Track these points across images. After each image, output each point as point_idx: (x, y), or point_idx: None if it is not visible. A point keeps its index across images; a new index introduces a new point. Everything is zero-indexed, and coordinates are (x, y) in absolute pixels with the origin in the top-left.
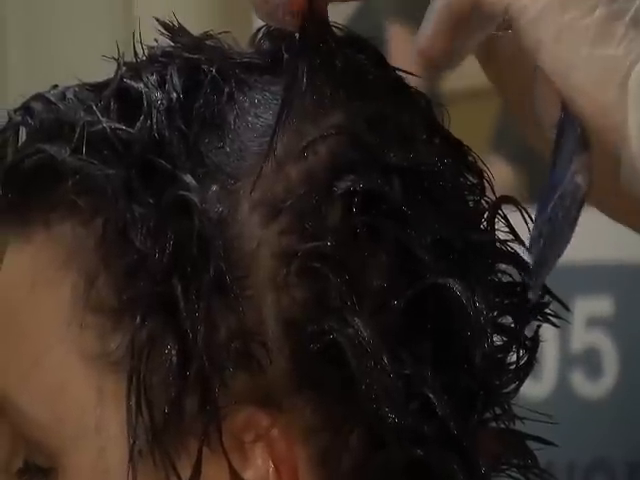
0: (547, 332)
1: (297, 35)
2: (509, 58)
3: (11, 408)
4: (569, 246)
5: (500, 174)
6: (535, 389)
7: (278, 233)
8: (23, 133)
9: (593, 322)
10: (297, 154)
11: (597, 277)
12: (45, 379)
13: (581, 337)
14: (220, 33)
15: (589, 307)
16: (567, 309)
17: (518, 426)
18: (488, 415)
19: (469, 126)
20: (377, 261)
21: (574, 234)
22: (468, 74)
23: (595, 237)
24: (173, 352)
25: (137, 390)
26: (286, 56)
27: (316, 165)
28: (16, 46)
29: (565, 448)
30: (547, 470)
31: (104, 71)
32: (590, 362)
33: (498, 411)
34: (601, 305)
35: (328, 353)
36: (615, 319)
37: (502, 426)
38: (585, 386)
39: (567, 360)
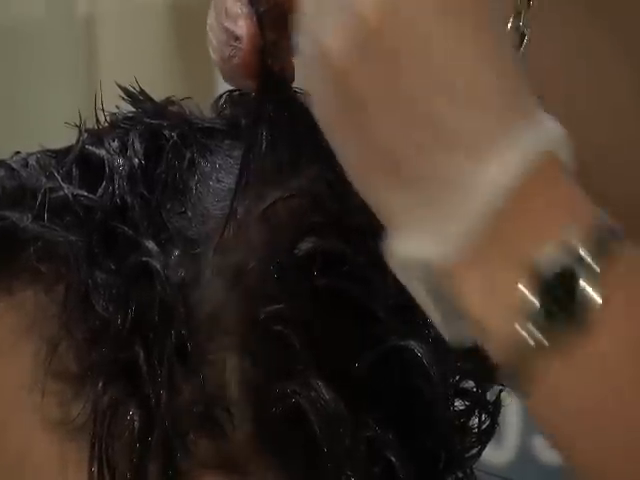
0: (508, 397)
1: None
2: None
3: None
4: None
5: None
6: (497, 455)
7: (240, 297)
8: None
9: None
10: (258, 217)
11: None
12: (6, 446)
13: None
14: (183, 99)
15: None
16: None
17: None
18: (450, 479)
19: None
20: (339, 323)
21: None
22: None
23: None
24: (135, 418)
25: (99, 457)
26: (244, 121)
27: (277, 228)
28: None
29: None
30: None
31: (69, 137)
32: None
33: (460, 475)
34: None
35: (291, 417)
36: None
37: None
38: (547, 452)
39: (529, 426)
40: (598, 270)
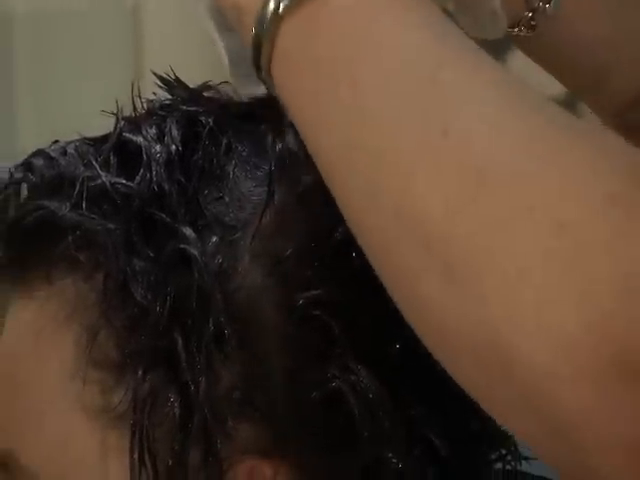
0: None
1: None
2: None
3: (14, 464)
4: None
5: None
6: None
7: (279, 283)
8: (25, 189)
9: None
10: (295, 202)
11: None
12: (49, 434)
13: None
14: (219, 83)
15: None
16: None
17: (524, 467)
18: (494, 456)
19: None
20: (376, 305)
21: None
22: None
23: None
24: (175, 405)
25: (140, 444)
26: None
27: (314, 212)
28: (26, 101)
29: None
30: None
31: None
32: None
33: (504, 452)
34: None
35: (331, 401)
36: None
37: (508, 467)
38: None
39: None
40: None
